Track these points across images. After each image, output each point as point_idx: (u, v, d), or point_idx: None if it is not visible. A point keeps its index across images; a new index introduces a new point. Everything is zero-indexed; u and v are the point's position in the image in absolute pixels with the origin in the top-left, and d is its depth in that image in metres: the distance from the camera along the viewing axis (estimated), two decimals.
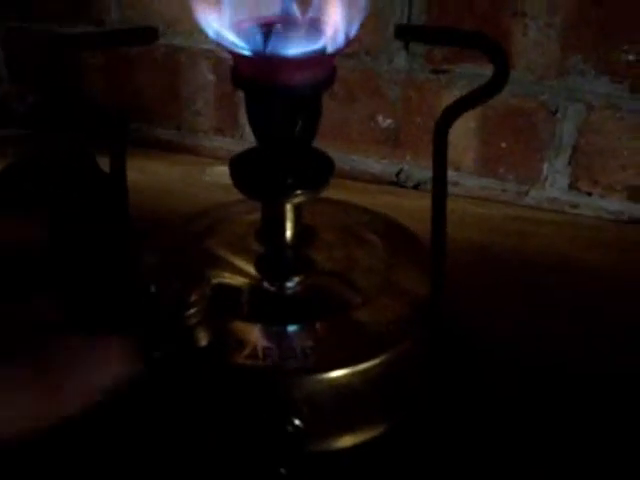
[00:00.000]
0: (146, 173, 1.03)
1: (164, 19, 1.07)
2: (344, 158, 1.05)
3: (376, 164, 1.05)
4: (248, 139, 1.07)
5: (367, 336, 0.64)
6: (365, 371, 0.62)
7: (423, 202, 0.97)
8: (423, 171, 1.03)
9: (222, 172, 1.03)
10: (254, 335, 0.62)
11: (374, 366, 0.62)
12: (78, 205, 0.76)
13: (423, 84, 0.99)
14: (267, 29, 0.57)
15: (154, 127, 1.13)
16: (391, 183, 1.06)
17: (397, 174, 1.05)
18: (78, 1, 1.11)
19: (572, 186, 0.99)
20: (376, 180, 1.06)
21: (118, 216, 0.70)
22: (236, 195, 0.66)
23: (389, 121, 1.02)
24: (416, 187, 1.05)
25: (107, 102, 1.11)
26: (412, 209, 0.93)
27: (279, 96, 0.59)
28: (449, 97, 0.97)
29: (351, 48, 0.97)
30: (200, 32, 0.59)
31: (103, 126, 0.66)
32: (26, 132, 1.12)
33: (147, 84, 1.11)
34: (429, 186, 1.02)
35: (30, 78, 1.18)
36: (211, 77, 1.08)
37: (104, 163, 0.69)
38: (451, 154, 0.61)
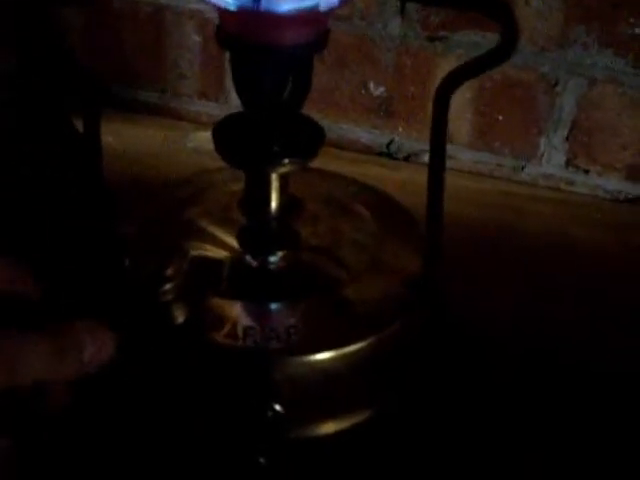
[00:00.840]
0: (127, 137, 0.99)
1: None
2: (333, 126, 1.01)
3: (366, 133, 1.02)
4: (233, 104, 1.04)
5: (354, 317, 0.61)
6: (351, 354, 0.59)
7: (414, 175, 0.95)
8: (415, 142, 1.00)
9: (206, 137, 0.99)
10: (234, 313, 0.59)
11: (361, 349, 0.59)
12: (51, 168, 0.73)
13: (418, 51, 0.95)
14: None
15: (137, 89, 1.09)
16: (381, 154, 1.02)
17: (388, 145, 1.01)
18: None
19: (569, 163, 0.95)
20: (366, 150, 1.02)
21: (92, 181, 0.66)
22: (221, 162, 0.62)
23: (381, 89, 0.98)
24: (407, 159, 1.01)
25: (88, 62, 1.07)
26: (403, 181, 0.91)
27: (268, 56, 0.55)
28: (445, 65, 0.94)
29: (344, 10, 0.93)
30: None
31: (81, 87, 0.63)
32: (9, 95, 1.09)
33: (130, 44, 1.07)
34: (420, 158, 1.00)
35: (8, 38, 1.13)
36: (197, 38, 1.04)
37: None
38: None
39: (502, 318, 0.72)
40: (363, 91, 0.99)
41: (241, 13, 0.53)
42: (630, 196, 0.95)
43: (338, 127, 1.02)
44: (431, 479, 0.59)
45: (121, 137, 0.95)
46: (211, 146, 0.63)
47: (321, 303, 0.61)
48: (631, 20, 0.86)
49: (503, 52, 0.52)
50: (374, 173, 0.95)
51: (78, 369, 0.43)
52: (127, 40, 1.07)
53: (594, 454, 0.60)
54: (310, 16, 0.54)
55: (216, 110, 1.07)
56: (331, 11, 0.55)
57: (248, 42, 0.55)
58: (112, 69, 1.09)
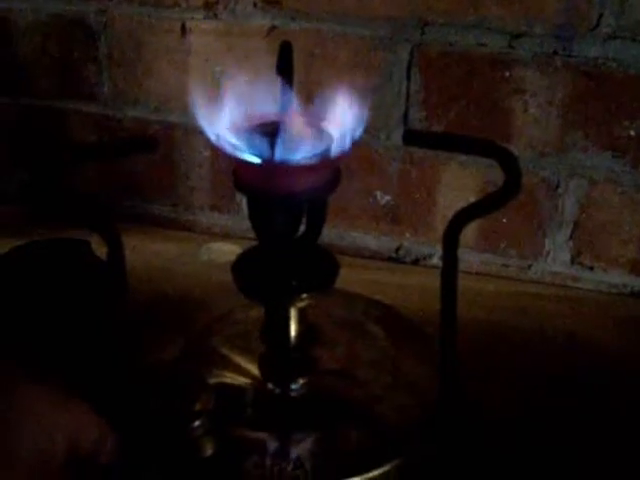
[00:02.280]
0: (141, 252, 1.01)
1: (158, 95, 1.06)
2: (342, 234, 1.03)
3: (375, 240, 1.04)
4: (245, 215, 1.06)
5: (377, 440, 0.62)
6: (376, 478, 0.60)
7: (423, 278, 0.97)
8: (422, 246, 1.02)
9: (219, 249, 1.03)
10: (260, 443, 0.61)
11: (385, 472, 0.60)
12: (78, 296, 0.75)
13: (422, 160, 0.98)
14: (271, 134, 0.56)
15: (150, 203, 1.12)
16: (390, 259, 1.04)
17: (396, 250, 1.04)
18: (68, 76, 1.10)
19: (574, 260, 0.97)
20: (375, 256, 1.05)
21: (117, 308, 0.68)
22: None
23: (387, 197, 1.01)
24: (415, 263, 1.03)
25: (100, 178, 1.10)
26: (412, 285, 0.93)
27: (283, 203, 0.58)
28: (448, 173, 0.97)
29: None
30: None
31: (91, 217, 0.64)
32: (18, 209, 1.11)
33: (142, 161, 1.09)
34: (429, 261, 1.03)
35: (18, 153, 1.16)
36: (206, 153, 1.07)
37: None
38: None
39: (517, 423, 0.73)
40: (370, 200, 1.02)
41: (254, 164, 0.56)
42: (635, 289, 0.97)
43: (348, 235, 1.04)
44: None
45: (137, 251, 0.97)
46: (223, 258, 0.65)
47: (343, 430, 0.62)
48: (626, 123, 0.89)
49: (507, 193, 0.54)
50: (384, 278, 0.97)
51: None
52: (138, 157, 1.10)
53: None
54: (323, 163, 0.56)
55: (228, 221, 1.09)
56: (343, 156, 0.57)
57: (263, 191, 0.57)
58: (125, 184, 1.11)
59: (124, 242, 0.63)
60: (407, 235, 1.02)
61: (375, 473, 0.60)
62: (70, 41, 1.08)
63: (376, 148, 0.99)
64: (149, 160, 1.09)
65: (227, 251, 1.01)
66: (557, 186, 0.94)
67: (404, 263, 1.04)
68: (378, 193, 1.01)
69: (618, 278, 0.97)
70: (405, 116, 0.96)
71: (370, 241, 1.04)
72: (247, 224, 0.64)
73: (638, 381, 0.80)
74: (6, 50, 1.11)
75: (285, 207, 0.58)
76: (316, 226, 0.61)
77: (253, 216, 0.61)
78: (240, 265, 0.64)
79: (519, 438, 0.71)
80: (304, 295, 0.62)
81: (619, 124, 0.89)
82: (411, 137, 0.58)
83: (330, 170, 0.58)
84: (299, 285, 0.62)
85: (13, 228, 1.04)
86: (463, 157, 0.95)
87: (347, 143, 0.57)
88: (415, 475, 0.63)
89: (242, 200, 1.06)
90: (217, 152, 1.01)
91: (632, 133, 0.89)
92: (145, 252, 1.02)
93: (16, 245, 0.82)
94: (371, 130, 0.97)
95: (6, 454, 0.43)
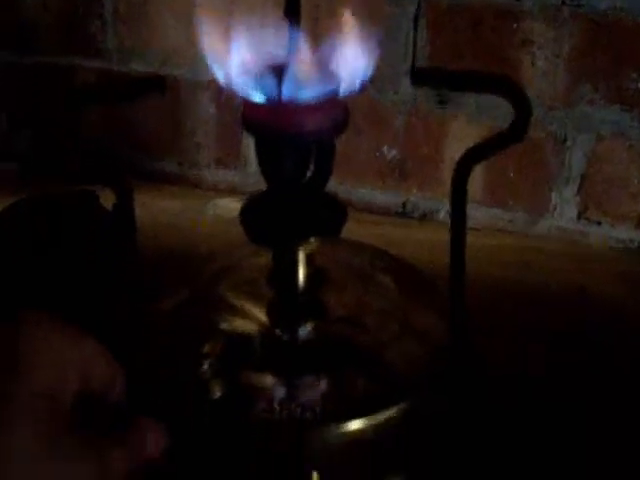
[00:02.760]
0: (148, 208, 1.01)
1: (163, 49, 1.05)
2: (350, 190, 1.03)
3: (382, 195, 1.04)
4: (251, 171, 1.06)
5: (384, 384, 0.62)
6: (383, 421, 0.60)
7: (430, 233, 0.97)
8: (429, 202, 1.02)
9: (225, 206, 1.03)
10: (269, 386, 0.61)
11: (391, 416, 0.60)
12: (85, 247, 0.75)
13: (429, 114, 0.98)
14: (279, 74, 0.55)
15: (155, 160, 1.12)
16: (397, 214, 1.04)
17: (403, 205, 1.03)
18: (73, 32, 1.09)
19: (581, 215, 0.97)
20: (382, 211, 1.04)
21: (127, 257, 0.68)
22: (239, 229, 0.64)
23: (394, 152, 1.01)
24: (423, 218, 1.03)
25: (107, 136, 1.09)
26: (420, 240, 0.93)
27: (291, 142, 0.57)
28: (456, 127, 0.96)
29: None
30: (200, 63, 0.58)
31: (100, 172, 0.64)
32: (25, 167, 1.11)
33: (147, 117, 1.09)
34: (435, 217, 1.02)
35: (25, 111, 1.16)
36: (212, 109, 1.07)
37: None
38: None
39: (523, 370, 0.74)
40: (377, 155, 1.01)
41: (263, 103, 0.56)
42: None
43: (356, 190, 1.04)
44: None
45: (144, 208, 0.97)
46: (229, 214, 0.64)
47: (351, 373, 0.62)
48: (634, 75, 0.88)
49: (517, 131, 0.53)
50: (392, 233, 0.97)
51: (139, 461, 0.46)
52: (144, 112, 1.09)
53: None
54: (330, 102, 0.56)
55: (234, 177, 1.09)
56: (351, 96, 0.57)
57: (271, 130, 0.57)
58: (131, 141, 1.11)
59: None
60: (414, 190, 1.02)
61: (381, 416, 0.60)
62: None
63: (383, 102, 0.98)
64: (155, 116, 1.09)
65: (233, 207, 1.00)
66: (564, 140, 0.94)
67: (411, 218, 1.04)
68: (385, 148, 1.01)
69: (625, 233, 0.97)
70: (412, 69, 0.95)
71: (377, 196, 1.04)
72: (253, 180, 0.65)
73: None
74: (10, 8, 1.11)
75: (294, 147, 0.57)
76: (324, 171, 0.61)
77: (261, 158, 0.60)
78: (248, 210, 0.64)
79: (522, 394, 0.71)
80: (312, 239, 0.61)
81: (628, 76, 0.89)
82: (419, 76, 0.57)
83: (339, 111, 0.58)
84: (307, 229, 0.61)
85: (19, 186, 1.04)
86: (470, 110, 0.95)
87: (356, 84, 0.56)
88: (421, 422, 0.63)
89: (248, 156, 1.06)
90: (223, 108, 1.03)
91: None
92: (152, 209, 1.02)
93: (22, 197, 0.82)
94: (378, 84, 0.97)
95: (14, 385, 0.43)
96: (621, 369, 0.75)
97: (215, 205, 1.05)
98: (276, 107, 0.55)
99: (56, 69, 1.12)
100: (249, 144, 1.06)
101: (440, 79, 0.57)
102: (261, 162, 0.61)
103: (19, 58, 1.13)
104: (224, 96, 1.03)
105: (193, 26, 0.56)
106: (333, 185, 0.64)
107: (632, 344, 0.79)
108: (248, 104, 0.58)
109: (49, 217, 0.78)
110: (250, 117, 0.58)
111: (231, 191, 1.08)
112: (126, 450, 0.45)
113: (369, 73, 0.57)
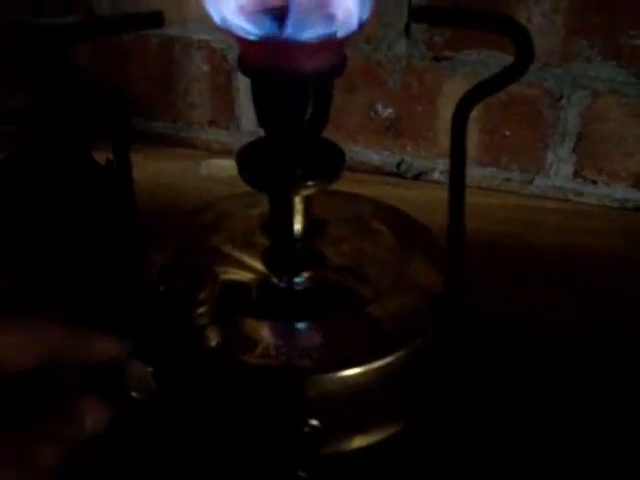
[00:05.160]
0: (142, 168, 1.00)
1: (156, 8, 1.04)
2: (344, 148, 1.02)
3: (376, 155, 1.03)
4: (244, 131, 1.05)
5: (381, 333, 0.62)
6: (380, 369, 0.60)
7: (425, 193, 0.97)
8: (424, 161, 1.02)
9: (218, 165, 1.02)
10: (265, 333, 0.60)
11: (389, 363, 0.60)
12: (77, 200, 0.74)
13: (424, 72, 0.97)
14: (276, 13, 0.55)
15: (148, 120, 1.11)
16: (392, 174, 1.03)
17: (398, 165, 1.03)
18: None
19: (577, 174, 0.97)
20: (377, 171, 1.04)
21: (124, 211, 0.68)
22: (235, 189, 0.63)
23: (389, 110, 1.00)
24: (417, 177, 1.03)
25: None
26: (414, 200, 0.92)
27: (289, 83, 0.57)
28: (451, 84, 0.96)
29: None
30: (194, 22, 0.57)
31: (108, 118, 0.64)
32: (23, 129, 1.10)
33: (140, 76, 1.08)
34: (430, 176, 1.02)
35: (21, 73, 1.15)
36: (205, 68, 1.06)
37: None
38: None
39: (520, 325, 0.74)
40: (372, 113, 1.01)
41: (262, 43, 0.55)
42: (638, 203, 0.96)
43: (349, 149, 1.03)
44: None
45: (137, 168, 0.97)
46: (223, 173, 0.64)
47: (348, 320, 0.62)
48: (631, 32, 0.88)
49: (519, 69, 0.53)
50: (386, 193, 0.96)
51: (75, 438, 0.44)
52: (137, 72, 1.09)
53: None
54: (329, 43, 0.55)
55: (227, 137, 1.08)
56: (349, 38, 0.56)
57: (269, 70, 0.56)
58: (124, 100, 1.10)
59: None
60: (409, 149, 1.01)
61: (377, 364, 0.60)
62: None
63: (377, 60, 0.98)
64: (147, 75, 1.08)
65: (226, 166, 1.00)
66: (560, 98, 0.93)
67: (405, 178, 1.03)
68: (379, 106, 1.00)
69: (621, 192, 0.96)
70: (407, 27, 0.95)
71: (372, 155, 1.04)
72: (246, 140, 0.64)
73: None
74: None
75: (291, 87, 0.57)
76: (322, 114, 0.60)
77: (259, 102, 0.60)
78: (244, 155, 0.63)
79: (516, 342, 0.72)
80: (309, 183, 0.61)
81: (624, 33, 0.89)
82: (420, 13, 0.56)
83: (337, 53, 0.57)
84: (304, 173, 0.61)
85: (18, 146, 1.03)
86: (466, 70, 0.94)
87: (354, 25, 0.56)
88: (417, 369, 0.62)
89: (241, 115, 1.05)
90: (215, 66, 1.02)
91: (638, 42, 0.88)
92: (144, 168, 1.01)
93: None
94: (372, 41, 0.96)
95: None
96: (614, 317, 0.76)
97: (208, 164, 1.05)
98: (275, 47, 0.55)
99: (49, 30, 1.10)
100: (243, 104, 1.05)
101: (441, 16, 0.57)
102: (257, 105, 0.60)
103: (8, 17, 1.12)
104: (217, 56, 1.03)
105: None
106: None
107: (624, 292, 0.80)
108: (245, 45, 0.57)
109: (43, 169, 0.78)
110: (248, 59, 0.58)
111: (225, 151, 1.07)
112: (54, 442, 0.42)
113: (367, 14, 0.56)
